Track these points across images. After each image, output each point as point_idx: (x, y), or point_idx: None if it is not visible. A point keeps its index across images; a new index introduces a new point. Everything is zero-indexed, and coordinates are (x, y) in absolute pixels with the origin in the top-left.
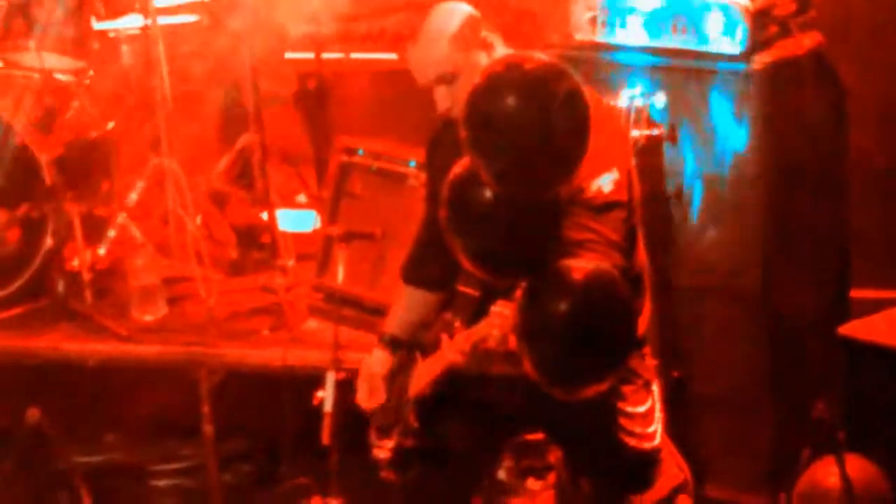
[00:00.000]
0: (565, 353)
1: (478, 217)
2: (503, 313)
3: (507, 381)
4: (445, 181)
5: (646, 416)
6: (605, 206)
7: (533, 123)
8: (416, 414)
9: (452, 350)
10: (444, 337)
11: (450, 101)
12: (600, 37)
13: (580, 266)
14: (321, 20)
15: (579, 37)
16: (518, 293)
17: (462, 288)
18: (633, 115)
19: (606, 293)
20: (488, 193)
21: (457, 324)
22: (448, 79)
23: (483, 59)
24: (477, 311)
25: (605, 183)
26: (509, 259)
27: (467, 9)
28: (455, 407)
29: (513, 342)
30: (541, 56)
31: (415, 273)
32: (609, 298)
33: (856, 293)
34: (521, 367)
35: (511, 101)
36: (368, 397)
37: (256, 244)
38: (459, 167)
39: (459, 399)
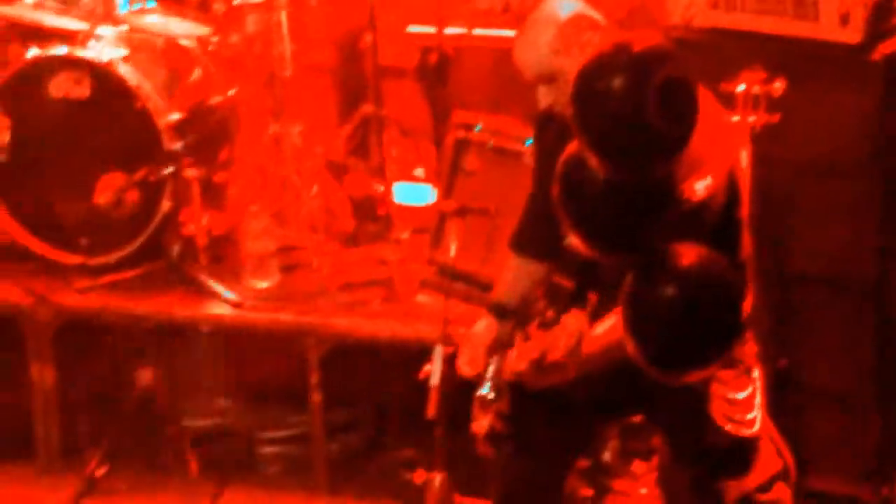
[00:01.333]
0: (671, 338)
1: (587, 196)
2: (574, 322)
3: (600, 369)
4: (556, 161)
5: (746, 403)
6: (691, 211)
7: (631, 104)
8: (509, 398)
9: (521, 358)
10: (520, 336)
11: (551, 97)
12: (720, 21)
13: (689, 250)
14: None
15: (699, 20)
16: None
17: (556, 279)
18: (751, 102)
19: (714, 278)
20: (597, 173)
21: (549, 313)
22: (547, 79)
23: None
24: (569, 303)
25: (699, 187)
26: (617, 238)
27: (573, 6)
28: (538, 396)
29: (583, 350)
30: (653, 38)
31: (523, 243)
32: (717, 284)
33: None
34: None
35: (613, 80)
36: (470, 363)
37: (372, 216)
38: (572, 146)
39: (549, 390)
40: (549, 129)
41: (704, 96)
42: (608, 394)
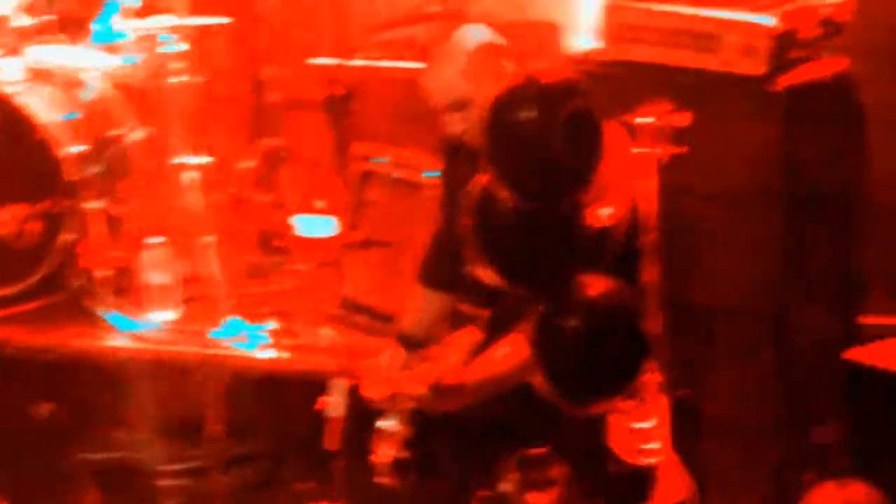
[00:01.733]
0: (580, 369)
1: (498, 227)
2: (465, 337)
3: (503, 397)
4: (463, 191)
5: (648, 433)
6: (595, 238)
7: (539, 136)
8: (412, 426)
9: (420, 383)
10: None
11: (461, 125)
12: (625, 54)
13: (595, 281)
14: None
15: (604, 53)
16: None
17: (458, 306)
18: (656, 133)
19: (620, 309)
20: (508, 204)
21: (454, 338)
22: (457, 106)
23: (495, 88)
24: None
25: (602, 215)
26: (528, 269)
27: (486, 34)
28: (446, 421)
29: (471, 376)
30: (561, 72)
31: (430, 274)
32: (623, 315)
33: (866, 319)
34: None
35: (522, 113)
36: (375, 391)
37: (274, 248)
38: (482, 177)
39: (450, 415)
40: (458, 159)
41: (609, 127)
42: (509, 421)
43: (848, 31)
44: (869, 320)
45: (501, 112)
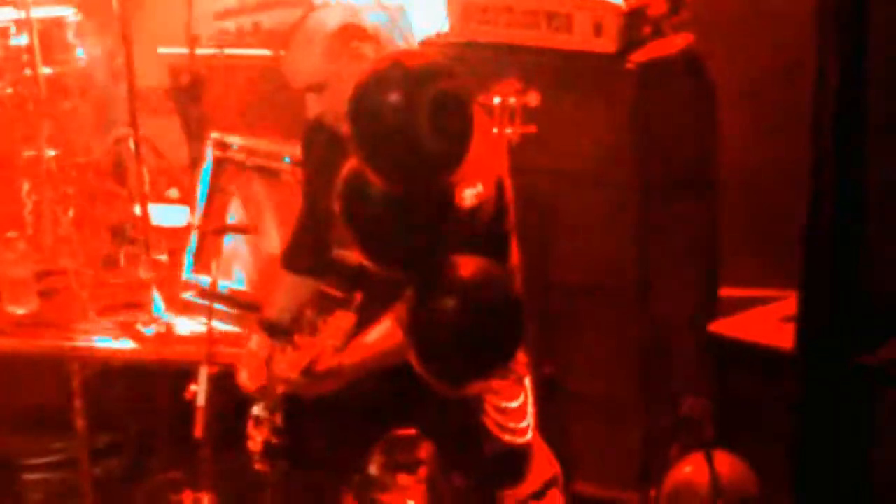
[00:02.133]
0: (456, 351)
1: (367, 211)
2: (340, 321)
3: (372, 381)
4: (326, 172)
5: (518, 411)
6: (463, 219)
7: (415, 114)
8: (283, 412)
9: (292, 368)
10: (297, 340)
11: (321, 106)
12: (475, 35)
13: (468, 262)
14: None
15: (454, 34)
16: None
17: (325, 289)
18: (507, 114)
19: (495, 288)
20: (377, 188)
21: (319, 322)
22: (317, 88)
23: (354, 69)
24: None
25: (468, 195)
26: (399, 252)
27: (341, 16)
28: (316, 407)
29: (346, 358)
30: (426, 54)
31: (293, 260)
32: (497, 294)
33: (725, 292)
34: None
35: (387, 96)
36: (250, 379)
37: (128, 238)
38: (351, 161)
39: (320, 400)
40: (319, 140)
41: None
42: (381, 404)
43: (690, 6)
44: (726, 293)
45: (364, 96)
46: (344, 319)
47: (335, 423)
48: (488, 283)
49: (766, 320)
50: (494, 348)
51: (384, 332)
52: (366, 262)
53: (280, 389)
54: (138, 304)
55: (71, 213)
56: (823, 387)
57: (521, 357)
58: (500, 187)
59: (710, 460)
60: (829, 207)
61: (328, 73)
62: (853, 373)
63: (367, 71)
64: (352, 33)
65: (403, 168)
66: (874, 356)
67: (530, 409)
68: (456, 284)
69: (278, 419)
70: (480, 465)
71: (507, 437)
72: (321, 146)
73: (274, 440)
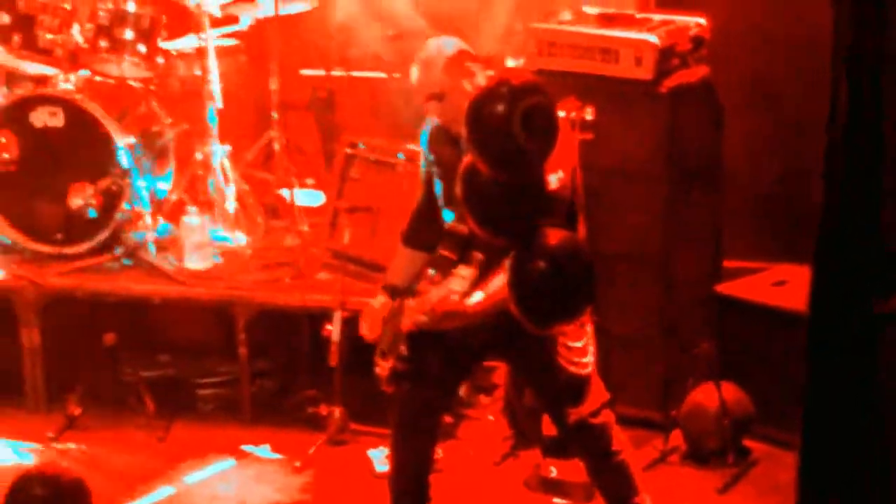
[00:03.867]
0: (546, 300)
1: (481, 193)
2: (463, 274)
3: (486, 322)
4: (445, 162)
5: (581, 350)
6: (558, 194)
7: (511, 122)
8: (406, 345)
9: (419, 309)
10: (420, 289)
11: (439, 112)
12: (546, 65)
13: (554, 232)
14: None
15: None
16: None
17: (442, 251)
18: (574, 124)
19: (574, 254)
20: (487, 176)
21: (436, 277)
22: (438, 97)
23: (466, 85)
24: (451, 269)
25: (553, 180)
26: (505, 223)
27: (457, 43)
28: (434, 341)
29: (470, 305)
30: (524, 74)
31: (411, 237)
32: (577, 258)
33: (728, 263)
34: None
35: (498, 107)
36: (370, 330)
37: (278, 214)
38: (468, 157)
39: (440, 334)
40: (437, 142)
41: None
42: (482, 341)
43: (707, 45)
44: (729, 264)
45: (479, 107)
46: (467, 272)
47: (446, 354)
48: (569, 249)
49: (760, 284)
50: (573, 299)
51: (498, 286)
52: (477, 232)
53: (406, 328)
54: (286, 263)
55: (236, 194)
56: (838, 332)
57: (587, 311)
58: (573, 176)
59: (718, 389)
60: (840, 162)
61: (447, 86)
62: (866, 319)
63: (482, 87)
64: (465, 56)
65: (504, 161)
66: (886, 303)
67: (591, 348)
68: (545, 249)
69: (403, 349)
70: (552, 388)
71: (573, 369)
72: (441, 145)
73: (399, 367)
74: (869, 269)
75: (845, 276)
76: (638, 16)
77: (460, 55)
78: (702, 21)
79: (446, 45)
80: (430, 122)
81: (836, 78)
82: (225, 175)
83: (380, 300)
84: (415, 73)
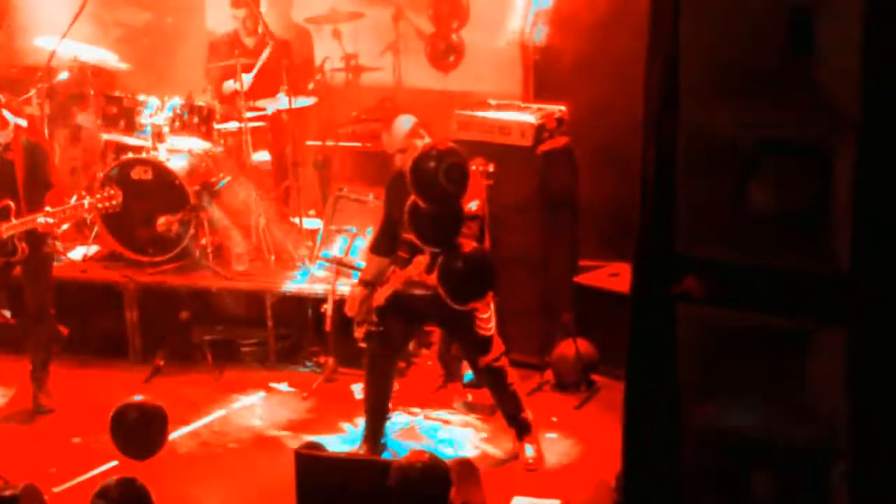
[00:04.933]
0: (462, 288)
1: (421, 219)
2: (419, 261)
3: (425, 299)
4: (401, 198)
5: (488, 318)
6: (471, 218)
7: (438, 173)
8: (376, 314)
9: (395, 281)
10: (390, 274)
11: (402, 161)
12: (466, 136)
13: (468, 243)
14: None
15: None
16: (426, 255)
17: (400, 254)
18: (482, 174)
19: (482, 258)
20: (425, 208)
21: (396, 269)
22: (402, 151)
23: (419, 143)
24: (407, 264)
25: (473, 206)
26: (437, 239)
27: (414, 119)
28: (396, 311)
29: (425, 276)
30: (447, 143)
31: (376, 248)
32: (482, 260)
33: (582, 262)
34: (431, 289)
35: (430, 163)
36: (350, 310)
37: (291, 233)
38: (411, 195)
39: (398, 308)
40: (397, 185)
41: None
42: (427, 312)
43: (567, 123)
44: (583, 262)
45: (418, 162)
46: (422, 262)
47: (403, 321)
48: (478, 255)
49: (602, 276)
50: (480, 287)
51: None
52: (419, 245)
53: (378, 304)
54: (297, 265)
55: (264, 221)
56: (648, 306)
57: (490, 294)
58: (483, 206)
59: (575, 343)
60: (649, 197)
61: (407, 144)
62: (663, 298)
63: (420, 150)
64: (418, 128)
65: (434, 198)
66: (678, 286)
67: (493, 317)
68: (462, 255)
69: (374, 318)
70: (470, 343)
71: (482, 331)
72: (399, 187)
73: (372, 329)
74: (665, 265)
75: (651, 269)
76: (522, 105)
77: (415, 126)
78: (563, 108)
79: (408, 119)
80: (394, 171)
81: (646, 138)
82: (258, 209)
83: (357, 290)
84: (386, 137)
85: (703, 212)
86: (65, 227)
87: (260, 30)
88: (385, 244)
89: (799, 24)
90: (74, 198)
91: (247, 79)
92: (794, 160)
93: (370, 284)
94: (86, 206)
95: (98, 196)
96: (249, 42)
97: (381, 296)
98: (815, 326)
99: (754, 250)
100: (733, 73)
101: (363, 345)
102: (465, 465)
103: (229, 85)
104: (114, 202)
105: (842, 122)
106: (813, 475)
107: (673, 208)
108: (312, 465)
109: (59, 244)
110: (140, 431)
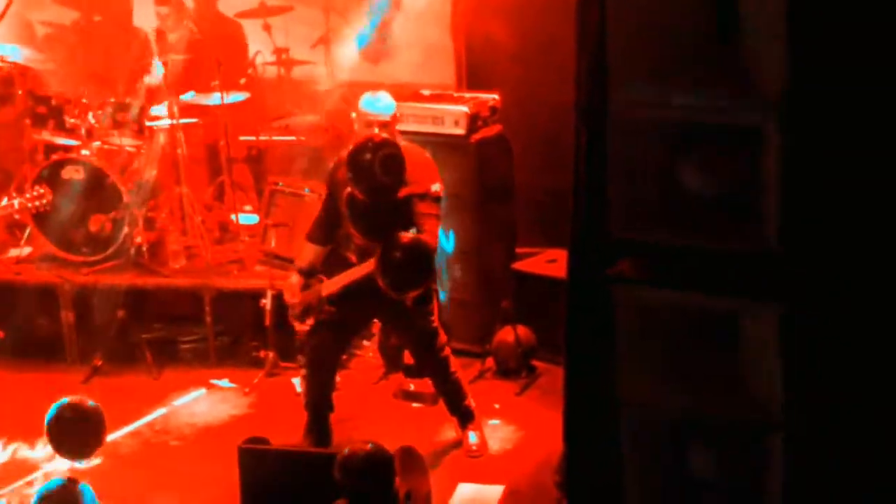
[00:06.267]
0: (400, 277)
1: (359, 211)
2: (367, 264)
3: (369, 293)
4: (337, 193)
5: (432, 310)
6: (434, 199)
7: (373, 165)
8: (330, 303)
9: (331, 287)
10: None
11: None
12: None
13: (405, 234)
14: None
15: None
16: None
17: (345, 252)
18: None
19: (420, 248)
20: (361, 200)
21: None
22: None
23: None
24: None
25: (435, 187)
26: (373, 230)
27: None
28: (345, 302)
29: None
30: (380, 135)
31: (312, 237)
32: (420, 250)
33: (519, 249)
34: (374, 285)
35: (365, 155)
36: (291, 296)
37: (228, 229)
38: (349, 187)
39: (348, 299)
40: (335, 175)
41: (414, 150)
42: (368, 305)
43: (500, 111)
44: (520, 250)
45: (353, 155)
46: (365, 266)
47: (345, 314)
48: (415, 244)
49: (539, 262)
50: (417, 277)
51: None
52: (356, 235)
53: (320, 298)
54: (235, 261)
55: (200, 217)
56: (584, 290)
57: (435, 284)
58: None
59: (514, 330)
60: (582, 183)
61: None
62: (599, 281)
63: (356, 143)
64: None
65: (370, 190)
66: (613, 269)
67: (435, 308)
68: (399, 245)
69: (328, 306)
70: (414, 334)
71: (425, 322)
72: (337, 177)
73: (325, 318)
74: (600, 248)
75: (586, 253)
76: (455, 94)
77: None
78: (496, 96)
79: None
80: (336, 162)
81: (578, 123)
82: (193, 206)
83: (294, 278)
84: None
85: (635, 195)
86: None
87: (187, 24)
88: (321, 233)
89: (724, 3)
90: (5, 199)
91: (159, 71)
92: (722, 141)
93: (306, 273)
94: (16, 206)
95: (27, 196)
96: (173, 38)
97: (332, 286)
98: (747, 304)
99: (686, 231)
100: (661, 55)
101: (304, 340)
102: (410, 454)
103: (147, 80)
104: (44, 201)
105: (768, 101)
106: (749, 449)
107: (606, 192)
108: (256, 460)
109: None
110: (76, 431)
